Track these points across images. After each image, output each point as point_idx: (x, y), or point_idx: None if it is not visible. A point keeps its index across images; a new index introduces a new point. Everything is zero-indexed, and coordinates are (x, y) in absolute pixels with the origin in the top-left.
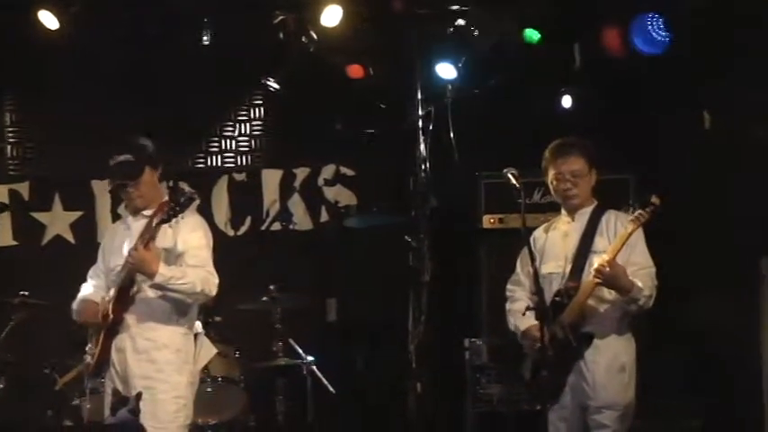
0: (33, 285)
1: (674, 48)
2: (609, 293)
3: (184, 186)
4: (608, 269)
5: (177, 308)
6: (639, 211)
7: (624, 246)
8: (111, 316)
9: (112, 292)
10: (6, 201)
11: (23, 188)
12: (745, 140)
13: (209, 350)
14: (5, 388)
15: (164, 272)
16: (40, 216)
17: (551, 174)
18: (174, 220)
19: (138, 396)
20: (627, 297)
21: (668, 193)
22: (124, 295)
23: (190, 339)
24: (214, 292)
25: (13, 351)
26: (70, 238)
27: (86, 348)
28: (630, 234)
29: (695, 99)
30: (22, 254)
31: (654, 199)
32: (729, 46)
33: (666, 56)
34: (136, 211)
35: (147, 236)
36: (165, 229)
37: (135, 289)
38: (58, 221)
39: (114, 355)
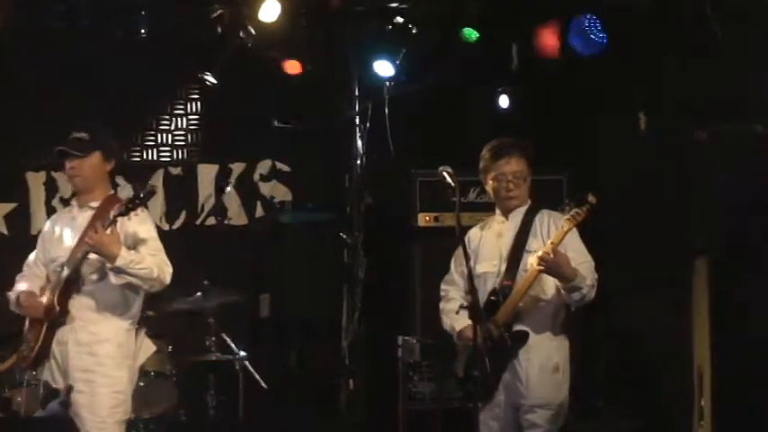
0: None
1: (611, 49)
2: (544, 293)
3: (124, 189)
4: (552, 256)
5: (122, 302)
6: (575, 209)
7: (561, 244)
8: (57, 308)
9: (55, 282)
10: None
11: None
12: (681, 142)
13: (148, 347)
14: None
15: (125, 255)
16: None
17: (491, 174)
18: (132, 213)
19: (70, 389)
20: (569, 285)
21: (603, 193)
22: (70, 287)
23: (132, 334)
24: (168, 280)
25: None
26: (3, 229)
27: (24, 339)
28: (567, 231)
29: (631, 100)
30: None
31: (590, 198)
32: (666, 47)
33: (603, 57)
34: (82, 203)
35: (106, 221)
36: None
37: (82, 281)
38: None
39: (55, 347)
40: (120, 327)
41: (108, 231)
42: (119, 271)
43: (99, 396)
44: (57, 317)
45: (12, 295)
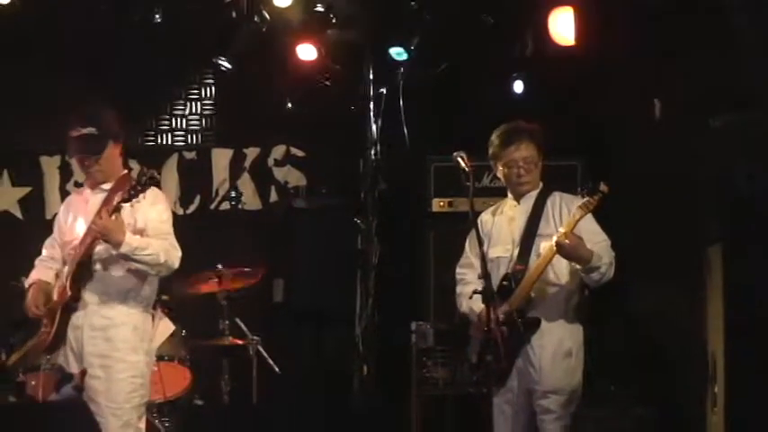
0: None
1: (627, 35)
2: (557, 278)
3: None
4: (567, 241)
5: (135, 285)
6: (588, 198)
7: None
8: (69, 293)
9: (68, 267)
10: None
11: None
12: (695, 129)
13: (166, 328)
14: None
15: (130, 241)
16: None
17: (502, 161)
18: (134, 199)
19: (83, 373)
20: (587, 266)
21: (617, 179)
22: (82, 271)
23: (147, 317)
24: (176, 264)
25: None
26: (18, 213)
27: (41, 324)
28: (579, 219)
29: (646, 87)
30: None
31: (602, 186)
32: (682, 34)
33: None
34: (94, 185)
35: (110, 208)
36: (126, 207)
37: (93, 265)
38: (6, 197)
39: (70, 333)
40: (135, 310)
41: (113, 218)
42: (124, 257)
43: (115, 382)
44: (69, 301)
45: (25, 283)
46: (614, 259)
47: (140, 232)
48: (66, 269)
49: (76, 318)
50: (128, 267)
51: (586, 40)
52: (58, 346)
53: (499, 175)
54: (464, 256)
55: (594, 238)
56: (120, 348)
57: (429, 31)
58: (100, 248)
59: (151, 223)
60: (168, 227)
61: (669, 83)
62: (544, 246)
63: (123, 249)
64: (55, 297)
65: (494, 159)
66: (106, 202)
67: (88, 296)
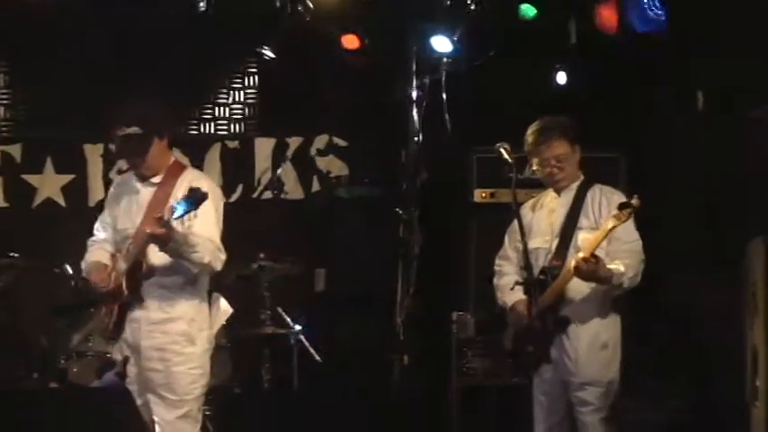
0: (23, 247)
1: (669, 26)
2: None
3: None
4: (585, 266)
5: (190, 279)
6: (620, 211)
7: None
8: (126, 291)
9: (124, 263)
10: None
11: (15, 150)
12: (738, 121)
13: (225, 310)
14: None
15: (177, 238)
16: (31, 178)
17: (535, 159)
18: (186, 216)
19: (126, 360)
20: (608, 286)
21: (658, 171)
22: (137, 269)
23: (204, 307)
24: (219, 267)
25: (1, 312)
26: (61, 201)
27: (96, 312)
28: (610, 231)
29: (689, 79)
30: (12, 216)
31: (634, 200)
32: (725, 25)
33: (662, 34)
34: (144, 179)
35: (161, 222)
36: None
37: (148, 261)
38: (49, 184)
39: (127, 326)
40: (191, 303)
41: (163, 231)
42: (169, 254)
43: (174, 374)
44: (127, 298)
45: (83, 264)
46: (642, 263)
47: (189, 228)
48: (121, 262)
49: (134, 312)
50: (182, 264)
51: (629, 31)
52: (116, 337)
53: (535, 170)
54: (503, 248)
55: (627, 237)
56: (178, 341)
57: (472, 20)
58: (154, 247)
59: (199, 224)
60: (214, 228)
61: (712, 74)
62: (582, 238)
63: (170, 246)
64: (111, 284)
65: (528, 156)
66: (156, 201)
67: (144, 292)
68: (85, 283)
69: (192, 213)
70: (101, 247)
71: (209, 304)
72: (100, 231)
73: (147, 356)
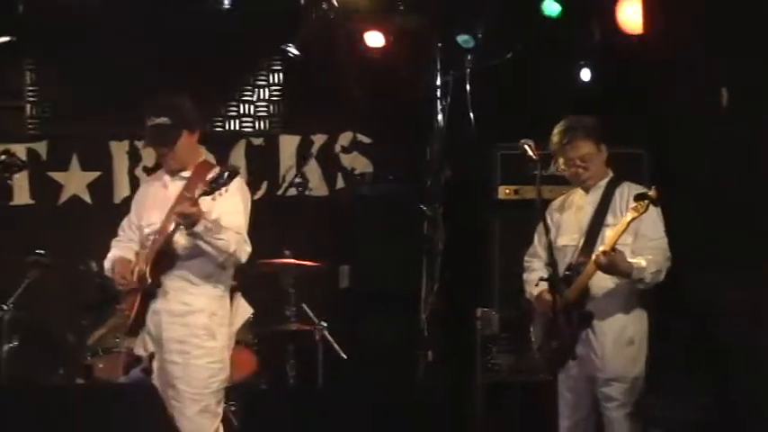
0: (49, 244)
1: (693, 24)
2: None
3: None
4: (604, 259)
5: (213, 272)
6: (638, 202)
7: (626, 230)
8: (150, 279)
9: (147, 252)
10: (24, 159)
11: (41, 147)
12: (763, 118)
13: (245, 311)
14: (18, 346)
15: (205, 222)
16: (57, 175)
17: (560, 160)
18: (216, 192)
19: (152, 356)
20: (629, 280)
21: (682, 168)
22: (162, 258)
23: (225, 302)
24: (244, 258)
25: (27, 309)
26: (87, 198)
27: (119, 307)
28: (630, 223)
29: (714, 75)
30: (38, 213)
31: (651, 192)
32: (748, 22)
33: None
34: (172, 173)
35: (191, 197)
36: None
37: (173, 252)
38: (75, 181)
39: (149, 318)
40: (213, 296)
41: (192, 209)
42: (196, 237)
43: (194, 368)
44: (149, 287)
45: (106, 263)
46: (668, 260)
47: (216, 221)
48: (145, 254)
49: (156, 303)
50: (206, 255)
51: (654, 28)
52: (137, 331)
53: (561, 169)
54: (532, 246)
55: (652, 234)
56: (198, 334)
57: (496, 18)
58: (180, 236)
59: (226, 215)
60: (241, 220)
61: (736, 71)
62: (606, 234)
63: (197, 228)
64: (134, 279)
65: (554, 156)
66: (187, 189)
67: (168, 283)
68: (107, 279)
69: (223, 189)
70: (126, 245)
71: (231, 301)
72: (125, 230)
73: (168, 349)
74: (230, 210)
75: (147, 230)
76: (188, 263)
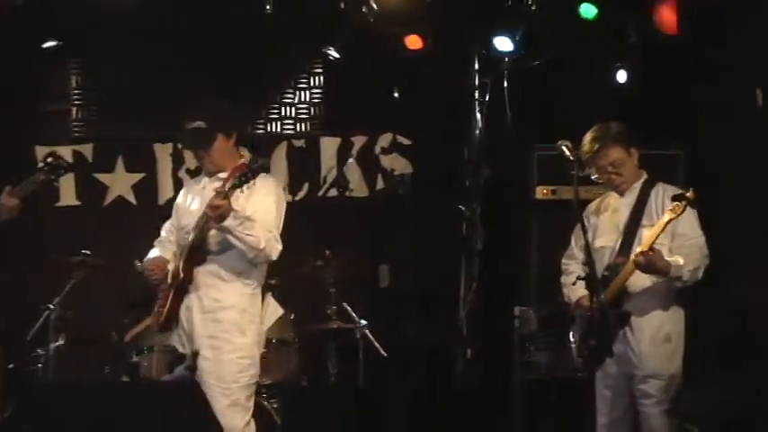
0: (94, 244)
1: (728, 25)
2: None
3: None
4: (643, 259)
5: (245, 269)
6: (675, 203)
7: (664, 230)
8: (182, 275)
9: (182, 250)
10: (70, 161)
11: (87, 150)
12: None
13: (275, 310)
14: (65, 345)
15: (235, 216)
16: (102, 177)
17: (592, 168)
18: (245, 186)
19: (196, 354)
20: (667, 278)
21: (719, 168)
22: (194, 255)
23: (256, 299)
24: (274, 256)
25: (73, 308)
26: (131, 199)
27: (156, 305)
28: (667, 224)
29: (748, 77)
30: (84, 213)
31: (689, 193)
32: None
33: (721, 33)
34: (211, 174)
35: (222, 191)
36: (238, 193)
37: (206, 249)
38: (119, 183)
39: (183, 313)
40: (244, 293)
41: (224, 200)
42: (225, 231)
43: (224, 362)
44: (181, 283)
45: (144, 261)
46: (706, 258)
47: (244, 218)
48: (180, 252)
49: (188, 299)
50: (237, 252)
51: (689, 30)
52: (170, 326)
53: (595, 177)
54: (569, 248)
55: (690, 233)
56: (229, 330)
57: (533, 20)
58: (213, 233)
59: (259, 213)
60: (274, 220)
61: None
62: (645, 235)
63: (227, 223)
64: (169, 279)
65: (586, 165)
66: (221, 186)
67: (200, 279)
68: (143, 275)
69: (252, 183)
70: (164, 245)
71: (262, 301)
72: (166, 232)
73: (199, 344)
74: (263, 208)
75: (184, 230)
76: (219, 259)
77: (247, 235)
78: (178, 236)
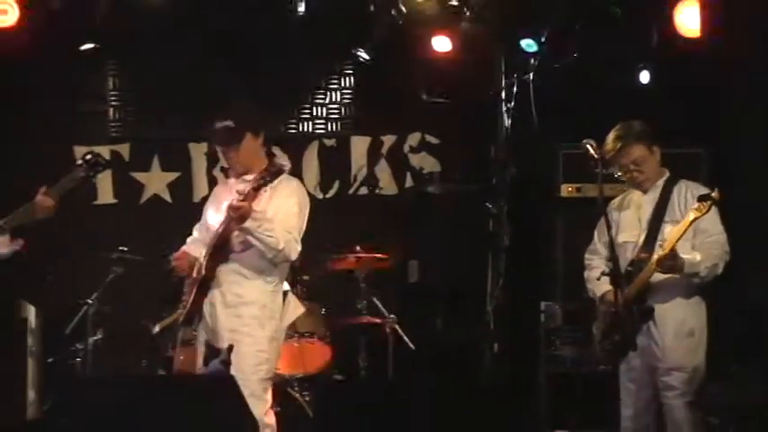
0: (131, 241)
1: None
2: None
3: (280, 158)
4: (665, 263)
5: (267, 267)
6: (700, 203)
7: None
8: (204, 272)
9: (207, 248)
10: (108, 159)
11: (124, 149)
12: None
13: (296, 308)
14: (103, 338)
15: (255, 217)
16: (138, 176)
17: (615, 166)
18: (264, 188)
19: (230, 348)
20: (684, 275)
21: (740, 167)
22: (218, 252)
23: (277, 296)
24: (293, 257)
25: (111, 303)
26: (167, 197)
27: (182, 299)
28: (691, 223)
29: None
30: (121, 211)
31: (714, 193)
32: None
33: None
34: (238, 175)
35: (243, 192)
36: (261, 194)
37: (229, 247)
38: (155, 181)
39: (206, 309)
40: (265, 290)
41: (244, 202)
42: (245, 232)
43: (243, 355)
44: (205, 280)
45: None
46: (726, 254)
47: (270, 219)
48: (206, 251)
49: (211, 295)
50: (259, 252)
51: (712, 30)
52: (192, 320)
53: (618, 176)
54: (592, 243)
55: (712, 230)
56: (249, 324)
57: (559, 22)
58: (236, 233)
59: (280, 215)
60: (294, 221)
61: None
62: (669, 231)
63: (247, 224)
64: (194, 273)
65: (610, 164)
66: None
67: (222, 276)
68: (169, 271)
69: (272, 185)
70: (194, 244)
71: (284, 299)
72: (196, 231)
73: (221, 337)
74: (284, 210)
75: (209, 231)
76: (241, 257)
77: (267, 236)
78: (206, 235)
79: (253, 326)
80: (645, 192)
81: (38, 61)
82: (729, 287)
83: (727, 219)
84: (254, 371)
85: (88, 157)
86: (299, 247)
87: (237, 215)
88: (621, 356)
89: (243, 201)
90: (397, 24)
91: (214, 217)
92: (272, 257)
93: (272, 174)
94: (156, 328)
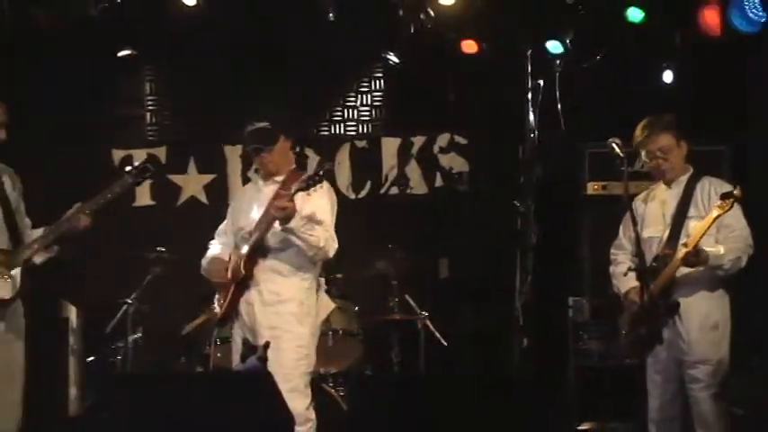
0: (169, 242)
1: None
2: None
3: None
4: (689, 260)
5: (302, 265)
6: (722, 201)
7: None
8: (243, 272)
9: (244, 249)
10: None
11: (161, 152)
12: None
13: (327, 305)
14: (142, 337)
15: (299, 219)
16: (175, 178)
17: (642, 153)
18: (312, 189)
19: (267, 345)
20: (708, 267)
21: (761, 163)
22: (256, 252)
23: (312, 293)
24: (331, 254)
25: (150, 303)
26: (203, 199)
27: (215, 299)
28: (715, 220)
29: None
30: (158, 213)
31: (736, 191)
32: None
33: (763, 34)
34: (267, 177)
35: (288, 192)
36: (301, 194)
37: (267, 247)
38: (192, 183)
39: (243, 308)
40: (301, 287)
41: (289, 203)
42: (290, 232)
43: (284, 351)
44: (243, 280)
45: (203, 261)
46: (749, 248)
47: (306, 219)
48: (241, 251)
49: (249, 295)
50: (297, 249)
51: (733, 32)
52: (229, 319)
53: (644, 162)
54: (617, 238)
55: (732, 223)
56: (288, 320)
57: (583, 24)
58: (273, 233)
59: (318, 215)
60: (329, 219)
61: None
62: (693, 226)
63: (292, 224)
64: (229, 275)
65: (637, 150)
66: (283, 188)
67: (260, 275)
68: (206, 273)
69: (318, 187)
70: (221, 246)
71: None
72: (219, 235)
73: (261, 335)
74: (320, 209)
75: (242, 231)
76: (279, 256)
77: (310, 235)
78: (236, 237)
79: (292, 322)
80: (668, 183)
81: (77, 66)
82: (752, 280)
83: (749, 214)
84: (296, 365)
85: (137, 163)
86: (336, 245)
87: (283, 215)
88: (648, 349)
89: (289, 201)
90: (426, 28)
91: (244, 219)
92: (313, 255)
93: (320, 176)
94: (186, 329)
